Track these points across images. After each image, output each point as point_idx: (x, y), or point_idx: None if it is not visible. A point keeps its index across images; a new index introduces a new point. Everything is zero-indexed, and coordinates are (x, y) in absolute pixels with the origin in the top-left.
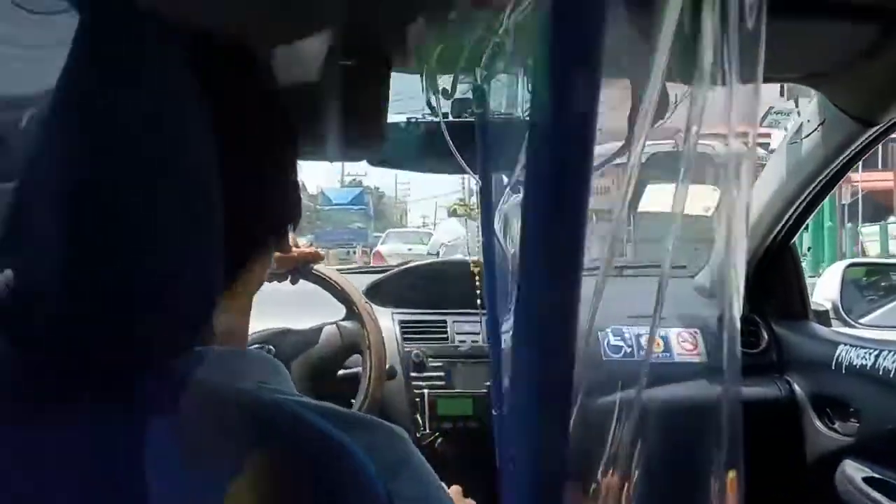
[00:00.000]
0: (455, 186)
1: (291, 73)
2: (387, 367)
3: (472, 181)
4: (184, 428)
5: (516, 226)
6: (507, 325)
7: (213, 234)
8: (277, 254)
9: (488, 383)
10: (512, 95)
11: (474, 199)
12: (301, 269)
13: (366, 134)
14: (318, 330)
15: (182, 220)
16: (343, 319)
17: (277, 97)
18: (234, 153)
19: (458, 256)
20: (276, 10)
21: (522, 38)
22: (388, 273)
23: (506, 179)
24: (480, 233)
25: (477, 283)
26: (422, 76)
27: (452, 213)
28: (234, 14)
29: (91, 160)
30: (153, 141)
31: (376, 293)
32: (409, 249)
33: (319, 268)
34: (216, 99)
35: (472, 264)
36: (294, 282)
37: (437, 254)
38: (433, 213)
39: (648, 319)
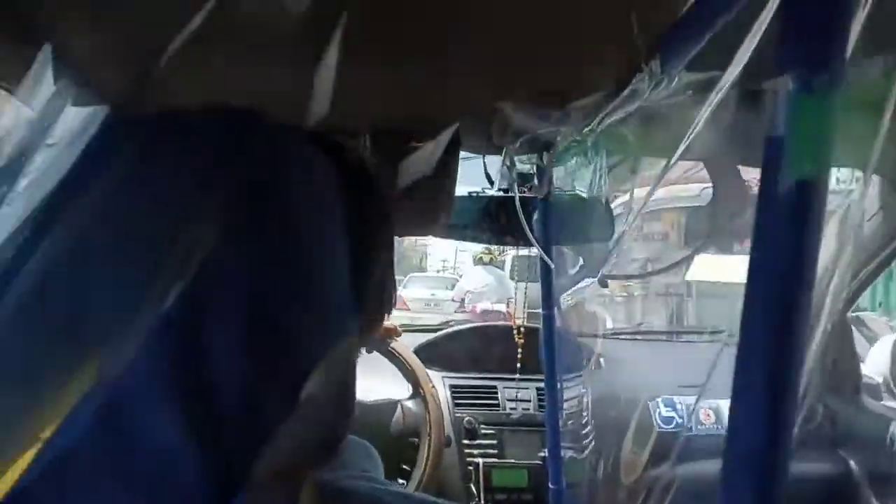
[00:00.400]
0: None
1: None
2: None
3: None
4: None
5: (599, 312)
6: (567, 395)
7: (353, 334)
8: None
9: (542, 454)
10: (582, 179)
11: (495, 248)
12: (378, 342)
13: (435, 211)
14: (386, 407)
15: (333, 327)
16: (408, 399)
17: (384, 197)
18: (359, 256)
19: (487, 305)
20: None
21: (610, 140)
22: (437, 335)
23: (565, 252)
24: (542, 305)
25: (519, 351)
26: (484, 156)
27: (478, 260)
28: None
29: (265, 279)
30: (317, 254)
31: (425, 354)
32: (433, 294)
33: (395, 345)
34: (348, 211)
35: (515, 331)
36: (369, 351)
37: (462, 300)
38: (453, 258)
39: (699, 389)
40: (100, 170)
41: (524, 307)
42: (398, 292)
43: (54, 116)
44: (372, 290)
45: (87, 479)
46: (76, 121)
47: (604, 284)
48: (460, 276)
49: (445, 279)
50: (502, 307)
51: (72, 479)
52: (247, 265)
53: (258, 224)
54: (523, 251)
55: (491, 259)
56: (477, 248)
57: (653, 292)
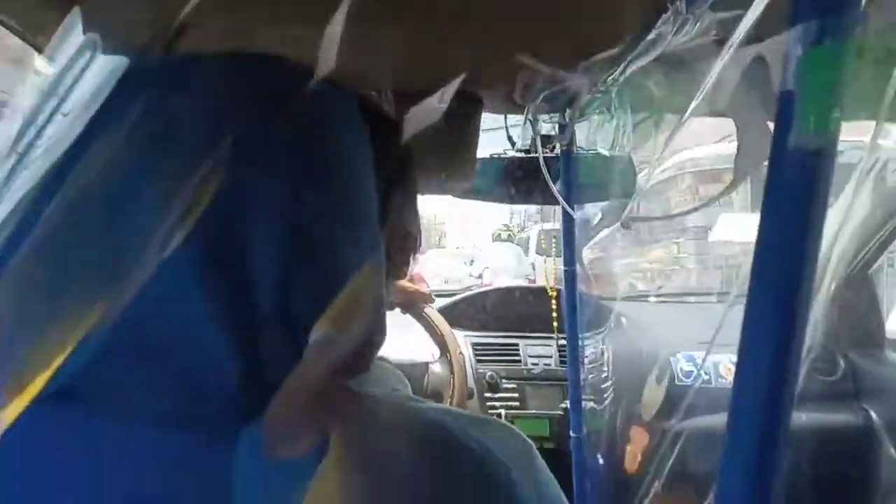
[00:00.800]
0: (494, 209)
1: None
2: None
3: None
4: (352, 436)
5: (616, 258)
6: (589, 351)
7: (382, 258)
8: (398, 283)
9: (563, 405)
10: (605, 135)
11: (515, 223)
12: (412, 305)
13: (458, 170)
14: (414, 368)
15: (365, 258)
16: (434, 362)
17: (406, 144)
18: (383, 198)
19: (505, 281)
20: (402, 65)
21: (631, 91)
22: (462, 296)
23: (589, 210)
24: (563, 262)
25: (553, 308)
26: (506, 115)
27: (497, 237)
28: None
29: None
30: (349, 178)
31: (448, 314)
32: (452, 271)
33: (428, 311)
34: (374, 150)
35: (548, 290)
36: (404, 312)
37: (481, 275)
38: (471, 235)
39: (719, 346)
40: (113, 119)
41: (554, 276)
42: (417, 268)
43: (71, 83)
44: (397, 234)
45: (123, 375)
46: (90, 89)
47: (626, 227)
48: (479, 251)
49: (464, 256)
50: (521, 283)
51: (108, 374)
52: (281, 183)
53: (291, 147)
54: (548, 226)
55: (509, 236)
56: (496, 225)
57: (712, 265)
